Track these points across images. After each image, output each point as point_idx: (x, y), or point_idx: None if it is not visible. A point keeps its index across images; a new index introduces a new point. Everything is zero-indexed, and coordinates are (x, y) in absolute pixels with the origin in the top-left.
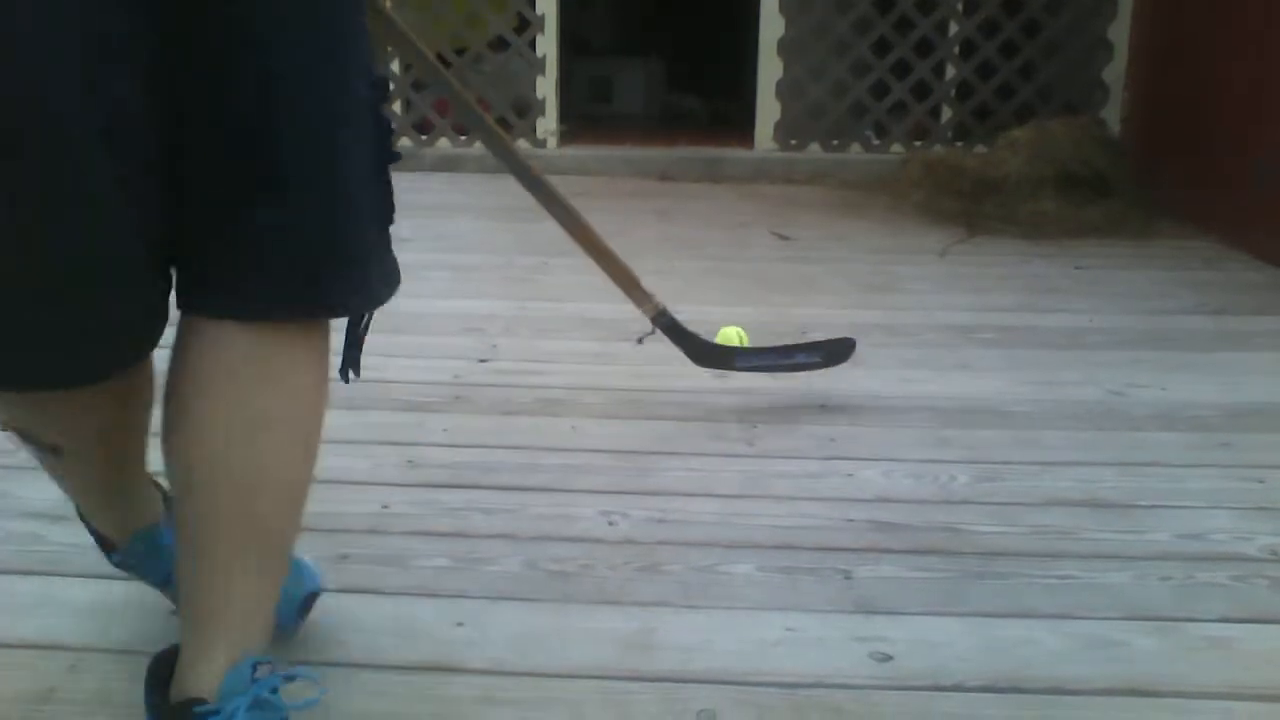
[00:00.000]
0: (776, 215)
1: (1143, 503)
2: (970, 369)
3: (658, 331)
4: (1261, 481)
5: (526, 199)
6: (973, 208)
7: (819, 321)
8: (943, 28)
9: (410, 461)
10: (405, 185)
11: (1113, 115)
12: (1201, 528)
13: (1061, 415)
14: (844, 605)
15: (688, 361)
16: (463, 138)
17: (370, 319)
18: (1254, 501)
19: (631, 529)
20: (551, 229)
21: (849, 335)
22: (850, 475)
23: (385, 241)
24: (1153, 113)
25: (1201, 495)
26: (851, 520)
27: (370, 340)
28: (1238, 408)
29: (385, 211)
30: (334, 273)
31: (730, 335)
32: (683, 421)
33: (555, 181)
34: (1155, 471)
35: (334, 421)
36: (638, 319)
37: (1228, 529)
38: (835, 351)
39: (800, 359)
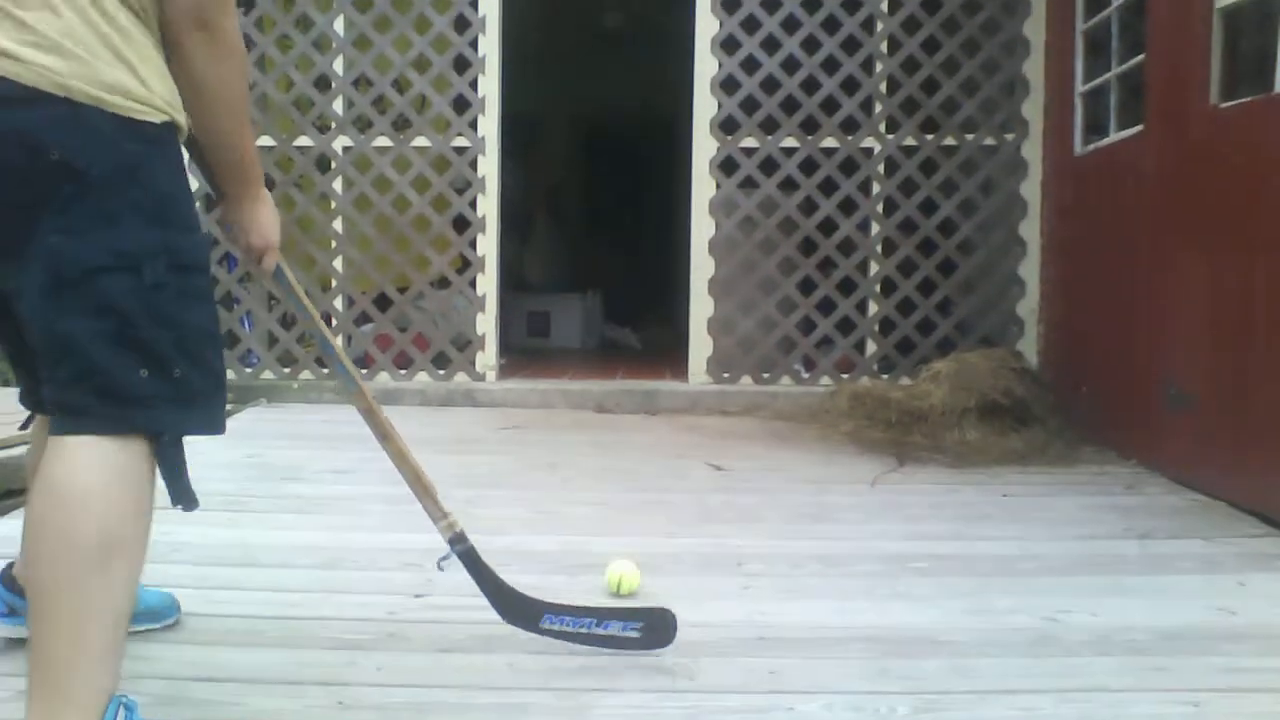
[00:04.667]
0: (712, 446)
1: None
2: (906, 598)
3: (454, 558)
4: (1197, 705)
5: (466, 430)
6: (900, 437)
7: (756, 552)
8: (864, 268)
9: (341, 703)
10: (345, 419)
11: (1030, 347)
12: None
13: (997, 643)
14: None
15: (629, 594)
16: (402, 372)
17: (176, 455)
18: None
19: None
20: (487, 460)
21: (784, 566)
22: (792, 709)
23: (167, 387)
24: (1067, 344)
25: None
26: None
27: (303, 576)
28: (1168, 631)
29: (150, 364)
30: (87, 409)
31: (613, 580)
32: (623, 656)
33: (494, 414)
34: (1093, 697)
35: (263, 659)
36: (576, 552)
37: None
38: (656, 627)
39: (613, 628)
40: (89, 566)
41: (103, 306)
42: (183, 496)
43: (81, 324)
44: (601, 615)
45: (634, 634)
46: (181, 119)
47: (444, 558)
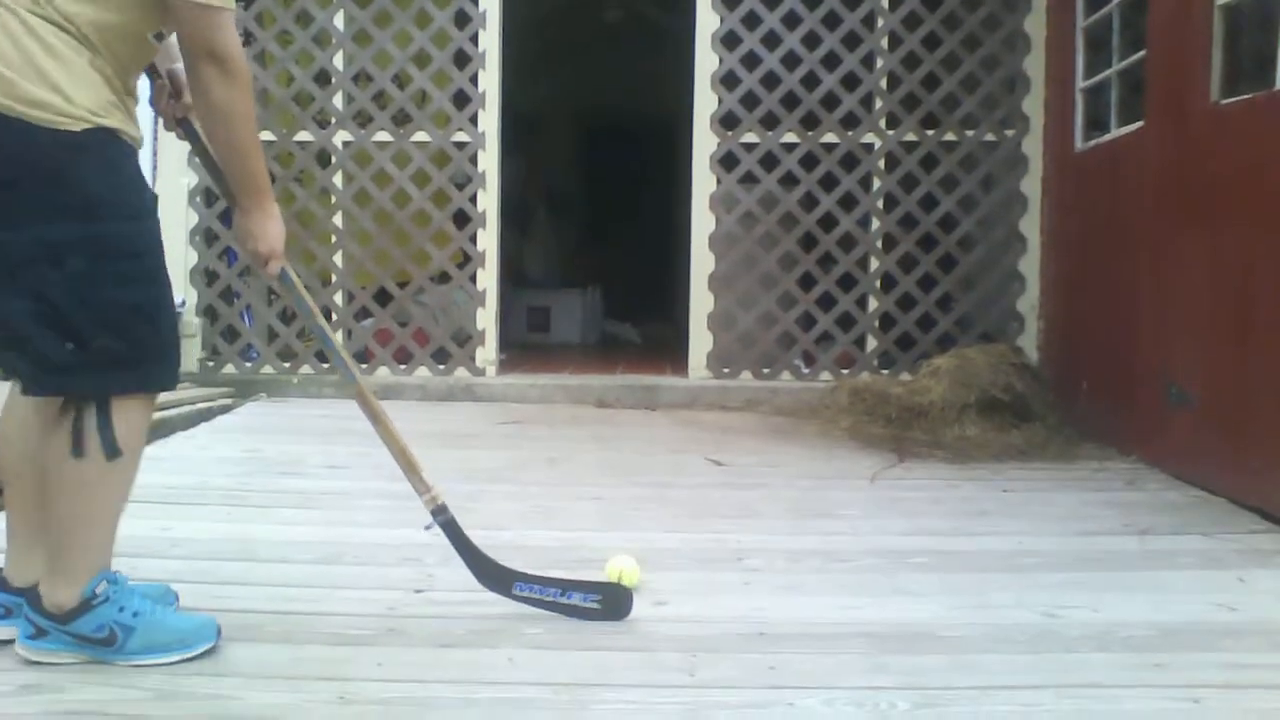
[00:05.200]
0: (712, 441)
1: None
2: (906, 593)
3: (435, 527)
4: (1197, 702)
5: (466, 425)
6: (900, 433)
7: (756, 547)
8: (864, 264)
9: (342, 697)
10: (344, 414)
11: (1030, 343)
12: None
13: (997, 638)
14: None
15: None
16: (402, 367)
17: (102, 412)
18: None
19: None
20: (487, 455)
21: (783, 561)
22: (792, 704)
23: (87, 357)
24: (1067, 340)
25: (1139, 717)
26: None
27: (303, 570)
28: (1168, 627)
29: (73, 338)
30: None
31: (614, 575)
32: (622, 651)
33: (494, 409)
34: (1092, 693)
35: (263, 654)
36: (575, 546)
37: None
38: (613, 600)
39: (576, 599)
40: (70, 493)
41: (34, 291)
42: (108, 446)
43: (18, 304)
44: (566, 586)
45: (594, 605)
46: (110, 123)
47: (428, 526)
